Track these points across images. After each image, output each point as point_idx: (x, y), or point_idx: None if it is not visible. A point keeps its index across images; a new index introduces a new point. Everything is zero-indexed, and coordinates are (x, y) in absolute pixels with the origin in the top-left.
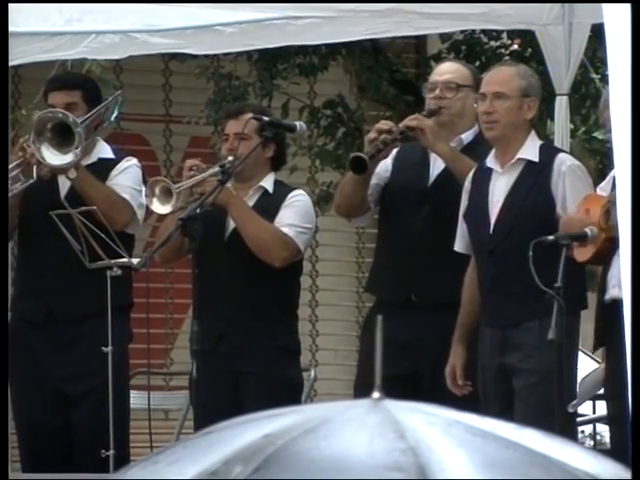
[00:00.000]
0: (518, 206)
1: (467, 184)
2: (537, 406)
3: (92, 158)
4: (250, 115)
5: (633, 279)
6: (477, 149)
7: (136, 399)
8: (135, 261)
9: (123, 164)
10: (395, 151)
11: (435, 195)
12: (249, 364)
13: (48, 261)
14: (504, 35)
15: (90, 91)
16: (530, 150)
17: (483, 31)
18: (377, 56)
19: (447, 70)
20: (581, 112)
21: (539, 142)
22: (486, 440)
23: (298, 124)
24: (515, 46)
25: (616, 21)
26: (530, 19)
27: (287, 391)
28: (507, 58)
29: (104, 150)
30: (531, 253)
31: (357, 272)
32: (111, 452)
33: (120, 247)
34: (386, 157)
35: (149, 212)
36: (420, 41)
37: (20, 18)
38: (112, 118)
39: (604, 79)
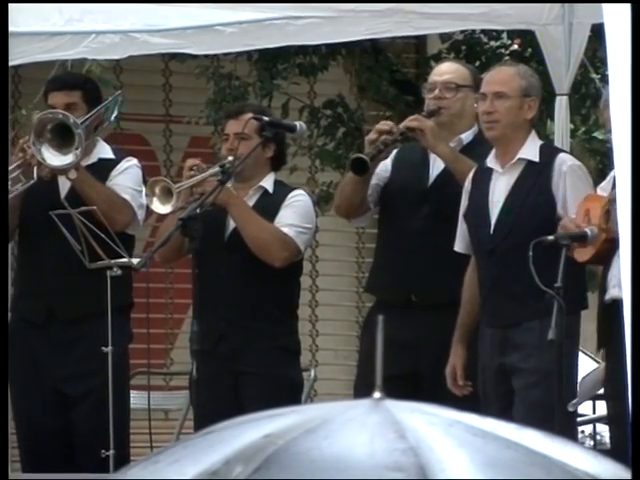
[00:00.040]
0: (519, 206)
1: (467, 184)
2: (537, 406)
3: (92, 158)
4: (250, 115)
5: (633, 279)
6: (477, 149)
7: (136, 399)
8: (135, 261)
9: (123, 164)
10: (395, 151)
11: (435, 195)
12: (249, 364)
13: (48, 261)
14: (504, 35)
15: (90, 91)
16: (531, 150)
17: (483, 31)
18: (377, 56)
19: (446, 70)
20: (581, 112)
21: (539, 142)
22: (487, 440)
23: (298, 124)
24: (515, 46)
25: (616, 21)
26: (530, 19)
27: (287, 391)
28: (507, 58)
29: (104, 150)
30: (531, 253)
31: (357, 272)
32: (111, 452)
33: (120, 247)
34: (386, 158)
35: (149, 212)
36: (420, 41)
37: (20, 18)
38: (112, 118)
39: (604, 79)
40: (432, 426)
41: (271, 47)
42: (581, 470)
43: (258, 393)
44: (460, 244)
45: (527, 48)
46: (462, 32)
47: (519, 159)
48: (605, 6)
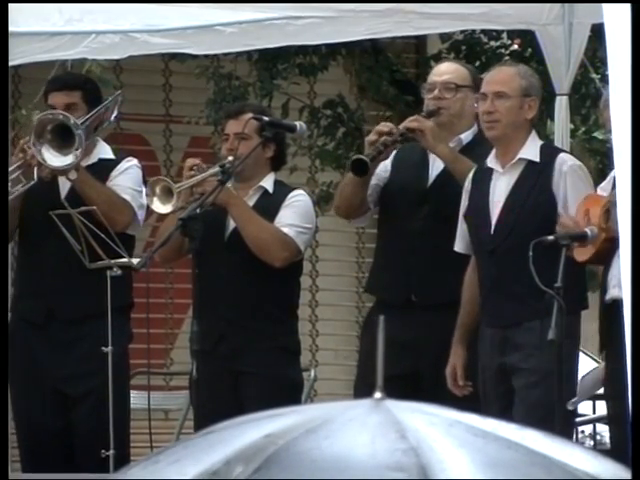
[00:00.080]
0: (519, 206)
1: (467, 184)
2: (537, 406)
3: (92, 159)
4: (250, 115)
5: (633, 279)
6: (476, 149)
7: (136, 399)
8: (135, 261)
9: (123, 165)
10: (394, 151)
11: (434, 195)
12: (249, 364)
13: (48, 261)
14: (504, 35)
15: (90, 92)
16: (531, 150)
17: (483, 31)
18: (377, 56)
19: (446, 70)
20: (581, 112)
21: (540, 142)
22: (487, 440)
23: (298, 124)
24: (515, 46)
25: (616, 21)
26: (530, 19)
27: (287, 391)
28: (507, 58)
29: (104, 151)
30: (531, 253)
31: (357, 272)
32: (111, 452)
33: (120, 247)
34: (386, 159)
35: (149, 212)
36: (420, 41)
37: (20, 18)
38: (112, 118)
39: (604, 79)
40: (433, 426)
41: (271, 47)
42: (581, 470)
43: (258, 393)
44: (460, 244)
45: (527, 48)
46: (462, 32)
47: (519, 159)
48: (605, 6)
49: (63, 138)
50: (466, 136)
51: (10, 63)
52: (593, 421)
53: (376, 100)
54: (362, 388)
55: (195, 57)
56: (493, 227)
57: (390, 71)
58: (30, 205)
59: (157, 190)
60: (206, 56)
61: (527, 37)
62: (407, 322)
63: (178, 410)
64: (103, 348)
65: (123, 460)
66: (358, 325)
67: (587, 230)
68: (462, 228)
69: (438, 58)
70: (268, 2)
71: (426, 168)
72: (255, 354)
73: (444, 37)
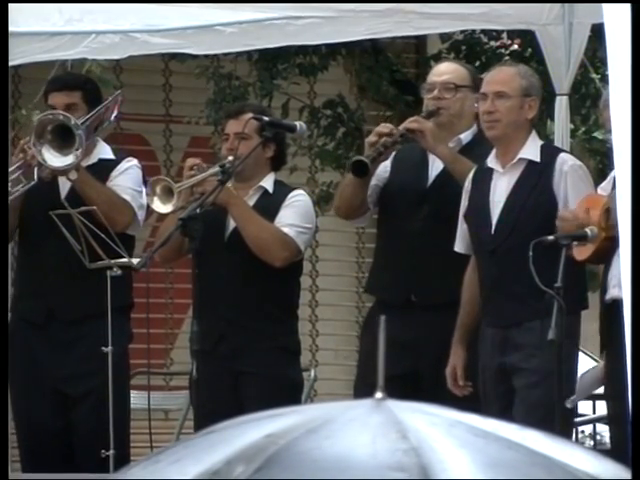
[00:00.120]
0: (520, 206)
1: (467, 184)
2: (537, 406)
3: (92, 159)
4: (250, 115)
5: (633, 279)
6: (476, 149)
7: (136, 399)
8: (135, 261)
9: (123, 165)
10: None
11: (434, 195)
12: (249, 364)
13: (48, 261)
14: (504, 35)
15: (90, 92)
16: (531, 150)
17: (483, 31)
18: (377, 56)
19: (445, 70)
20: (581, 112)
21: (540, 142)
22: (488, 441)
23: (298, 124)
24: (515, 46)
25: (616, 21)
26: (530, 19)
27: (287, 391)
28: (507, 58)
29: (104, 151)
30: (531, 253)
31: (357, 272)
32: (111, 452)
33: (120, 247)
34: (386, 160)
35: (149, 212)
36: (420, 41)
37: (20, 18)
38: (112, 118)
39: (604, 79)
40: (434, 426)
41: (271, 47)
42: (582, 471)
43: (258, 393)
44: (460, 244)
45: (527, 48)
46: (462, 32)
47: (520, 159)
48: (605, 6)
49: (63, 138)
50: (465, 136)
51: (10, 63)
52: (593, 421)
53: (376, 100)
54: (362, 388)
55: (195, 57)
56: (494, 227)
57: (390, 71)
58: (30, 205)
59: (158, 190)
60: (206, 56)
61: (527, 37)
62: (407, 322)
63: (178, 410)
64: (103, 348)
65: (123, 460)
66: (358, 325)
67: (587, 230)
68: (462, 228)
69: (438, 58)
70: (268, 2)
71: (426, 168)
72: (255, 354)
73: (444, 37)
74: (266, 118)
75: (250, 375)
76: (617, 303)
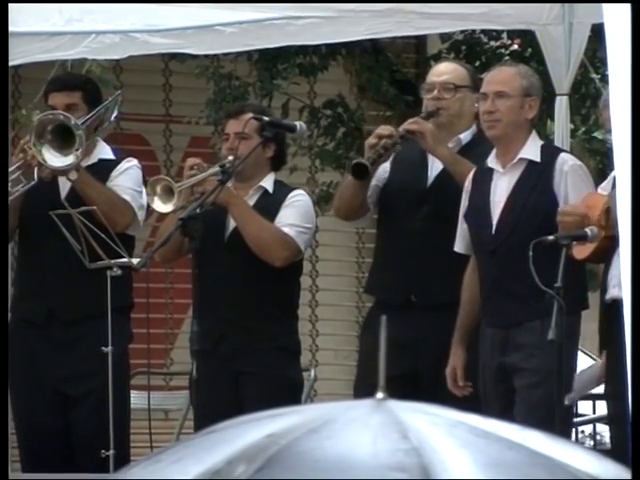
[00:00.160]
0: (520, 206)
1: (467, 184)
2: (538, 406)
3: (92, 159)
4: (250, 115)
5: (633, 279)
6: (475, 149)
7: (136, 399)
8: (135, 261)
9: (123, 165)
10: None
11: (434, 196)
12: (249, 364)
13: (48, 261)
14: (504, 35)
15: (90, 92)
16: (532, 150)
17: (483, 31)
18: (377, 56)
19: (444, 71)
20: (581, 112)
21: (540, 142)
22: (489, 441)
23: (298, 124)
24: (515, 46)
25: (616, 21)
26: (530, 19)
27: (287, 391)
28: (507, 58)
29: (104, 151)
30: (531, 253)
31: (357, 272)
32: (111, 452)
33: (120, 247)
34: (387, 161)
35: (149, 212)
36: (420, 41)
37: (20, 18)
38: (112, 118)
39: (604, 79)
40: (435, 427)
41: (271, 47)
42: (583, 471)
43: (258, 393)
44: (460, 244)
45: (527, 48)
46: (462, 32)
47: (520, 159)
48: (605, 6)
49: (63, 138)
50: (465, 136)
51: (10, 63)
52: (593, 421)
53: (376, 100)
54: (362, 388)
55: (195, 57)
56: (494, 227)
57: (390, 71)
58: (30, 205)
59: (158, 189)
60: (206, 56)
61: (527, 37)
62: (407, 322)
63: (178, 410)
64: (103, 348)
65: (123, 460)
66: (358, 325)
67: (587, 230)
68: (462, 228)
69: (438, 58)
70: (268, 2)
71: (425, 168)
72: (255, 354)
73: (444, 37)
74: (266, 118)
75: (250, 375)
76: (617, 303)
